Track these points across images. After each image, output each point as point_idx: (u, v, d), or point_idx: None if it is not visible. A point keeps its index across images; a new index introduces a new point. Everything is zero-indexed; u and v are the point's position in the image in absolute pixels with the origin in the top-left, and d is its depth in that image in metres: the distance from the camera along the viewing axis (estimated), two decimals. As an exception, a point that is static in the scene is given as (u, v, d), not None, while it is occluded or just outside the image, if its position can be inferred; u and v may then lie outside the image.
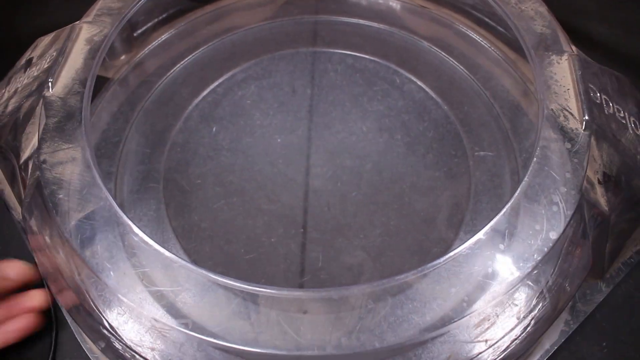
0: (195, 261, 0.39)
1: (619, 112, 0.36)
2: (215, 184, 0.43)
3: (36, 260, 0.35)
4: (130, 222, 0.29)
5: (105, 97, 0.46)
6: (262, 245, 0.40)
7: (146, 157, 0.44)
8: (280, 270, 0.39)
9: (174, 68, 0.49)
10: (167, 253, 0.28)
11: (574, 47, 0.37)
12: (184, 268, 0.28)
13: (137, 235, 0.28)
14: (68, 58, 0.36)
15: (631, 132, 0.36)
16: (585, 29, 0.47)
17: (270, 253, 0.40)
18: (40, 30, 0.44)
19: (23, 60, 0.41)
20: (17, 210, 0.41)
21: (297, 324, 0.27)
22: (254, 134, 0.45)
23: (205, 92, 0.47)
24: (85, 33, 0.38)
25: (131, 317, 0.33)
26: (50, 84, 0.35)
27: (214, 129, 0.46)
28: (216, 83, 0.48)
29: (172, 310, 0.28)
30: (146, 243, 0.28)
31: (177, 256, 0.29)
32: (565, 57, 0.36)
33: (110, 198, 0.30)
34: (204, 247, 0.40)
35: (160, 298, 0.29)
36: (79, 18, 0.40)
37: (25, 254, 0.42)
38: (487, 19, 0.49)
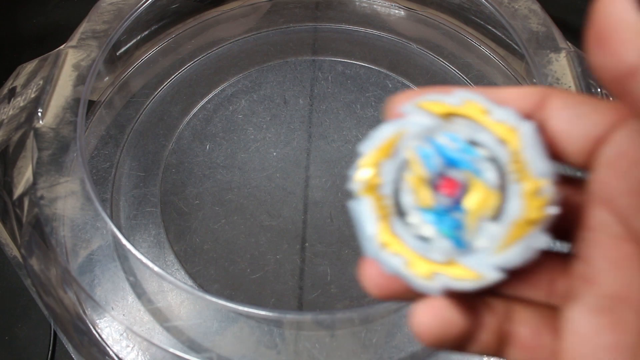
0: (201, 285, 0.38)
1: (619, 105, 0.36)
2: (213, 204, 0.42)
3: (40, 301, 0.33)
4: (143, 258, 0.27)
5: (92, 122, 0.44)
6: (268, 263, 0.39)
7: (140, 180, 0.43)
8: (289, 288, 0.38)
9: (161, 86, 0.47)
10: (185, 287, 0.27)
11: (569, 44, 0.37)
12: (202, 300, 0.27)
13: (152, 271, 0.27)
14: (56, 86, 0.35)
15: (632, 124, 0.36)
16: (585, 29, 0.47)
17: (277, 270, 0.39)
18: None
19: (5, 90, 0.39)
20: (9, 246, 0.39)
21: (325, 348, 0.27)
22: (248, 149, 0.45)
23: (195, 109, 0.46)
24: (72, 59, 0.36)
25: (140, 350, 0.32)
26: (40, 114, 0.34)
27: (207, 147, 0.44)
28: (206, 99, 0.47)
29: (194, 344, 0.27)
30: (162, 278, 0.27)
31: (183, 282, 0.28)
32: (563, 54, 0.36)
33: (118, 233, 0.29)
34: (208, 270, 0.39)
35: (178, 333, 0.28)
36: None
37: (20, 290, 0.41)
38: (474, 17, 0.48)
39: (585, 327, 0.17)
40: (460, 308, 0.18)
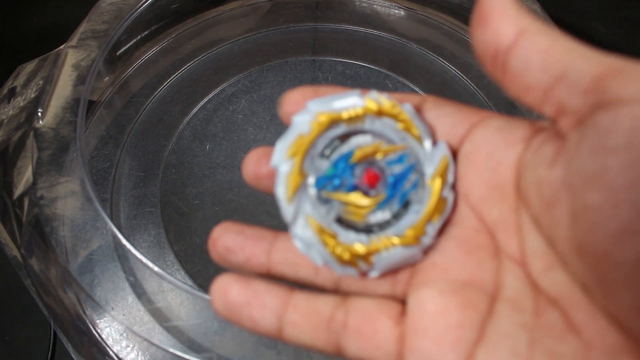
0: (201, 285, 0.38)
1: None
2: (213, 204, 0.42)
3: (40, 301, 0.33)
4: (143, 258, 0.27)
5: (92, 122, 0.44)
6: (268, 263, 0.39)
7: (140, 180, 0.43)
8: (289, 288, 0.38)
9: (161, 86, 0.47)
10: (185, 287, 0.27)
11: (569, 43, 0.37)
12: (202, 300, 0.27)
13: (152, 271, 0.27)
14: (56, 86, 0.35)
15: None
16: (585, 29, 0.47)
17: (277, 270, 0.39)
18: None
19: (5, 90, 0.39)
20: (9, 246, 0.39)
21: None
22: (248, 149, 0.44)
23: (195, 109, 0.46)
24: (72, 59, 0.36)
25: (140, 350, 0.32)
26: (40, 114, 0.34)
27: (207, 147, 0.44)
28: (206, 99, 0.47)
29: (194, 344, 0.27)
30: (162, 278, 0.27)
31: (183, 282, 0.29)
32: (563, 54, 0.36)
33: (118, 233, 0.29)
34: (208, 270, 0.39)
35: (178, 333, 0.28)
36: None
37: (20, 290, 0.41)
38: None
39: (435, 307, 0.17)
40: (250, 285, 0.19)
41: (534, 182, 0.17)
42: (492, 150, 0.18)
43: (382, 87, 0.47)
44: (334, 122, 0.19)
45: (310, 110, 0.19)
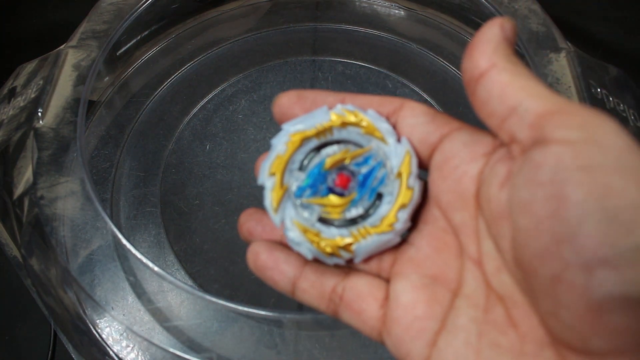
0: (201, 285, 0.38)
1: (619, 105, 0.36)
2: (213, 204, 0.42)
3: (40, 301, 0.33)
4: (143, 258, 0.27)
5: (92, 122, 0.44)
6: (268, 263, 0.39)
7: (140, 180, 0.43)
8: (289, 288, 0.38)
9: (161, 86, 0.47)
10: (185, 287, 0.27)
11: (569, 44, 0.37)
12: (202, 300, 0.27)
13: (152, 271, 0.27)
14: (56, 86, 0.35)
15: (632, 124, 0.36)
16: (585, 29, 0.47)
17: (277, 270, 0.39)
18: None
19: (5, 90, 0.39)
20: (9, 246, 0.39)
21: (325, 348, 0.27)
22: (248, 149, 0.45)
23: (195, 109, 0.46)
24: (72, 59, 0.36)
25: (140, 350, 0.32)
26: (40, 114, 0.34)
27: (207, 147, 0.44)
28: (206, 99, 0.47)
29: (194, 344, 0.27)
30: (162, 278, 0.27)
31: (183, 282, 0.28)
32: (563, 54, 0.36)
33: (118, 233, 0.29)
34: (208, 270, 0.39)
35: (178, 333, 0.28)
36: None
37: (20, 290, 0.41)
38: (474, 17, 0.48)
39: (406, 300, 0.21)
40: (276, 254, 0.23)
41: (487, 198, 0.20)
42: (458, 163, 0.21)
43: (382, 87, 0.47)
44: (306, 138, 0.23)
45: (285, 132, 0.23)
